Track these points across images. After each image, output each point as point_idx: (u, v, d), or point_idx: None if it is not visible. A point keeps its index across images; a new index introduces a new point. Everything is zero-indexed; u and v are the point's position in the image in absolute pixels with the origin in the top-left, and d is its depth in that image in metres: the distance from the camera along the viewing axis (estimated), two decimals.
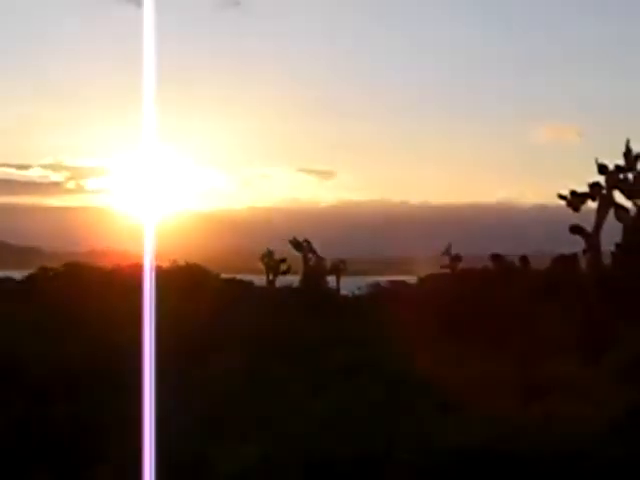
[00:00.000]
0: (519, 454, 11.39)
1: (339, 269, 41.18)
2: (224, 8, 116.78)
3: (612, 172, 28.08)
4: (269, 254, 40.78)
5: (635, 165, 28.34)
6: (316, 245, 39.93)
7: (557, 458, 11.23)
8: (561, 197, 28.54)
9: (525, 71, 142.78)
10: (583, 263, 28.37)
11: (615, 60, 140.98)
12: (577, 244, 27.91)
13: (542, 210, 34.89)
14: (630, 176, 28.23)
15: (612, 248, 28.32)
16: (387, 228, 73.25)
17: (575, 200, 28.06)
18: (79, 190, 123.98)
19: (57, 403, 15.63)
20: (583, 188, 28.07)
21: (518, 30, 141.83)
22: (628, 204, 28.04)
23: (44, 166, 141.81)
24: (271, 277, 40.95)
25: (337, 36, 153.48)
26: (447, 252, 35.57)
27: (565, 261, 29.24)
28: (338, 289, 40.75)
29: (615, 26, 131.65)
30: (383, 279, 44.52)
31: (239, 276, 43.01)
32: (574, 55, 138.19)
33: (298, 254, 40.16)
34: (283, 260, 40.93)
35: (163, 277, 21.84)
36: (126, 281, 30.05)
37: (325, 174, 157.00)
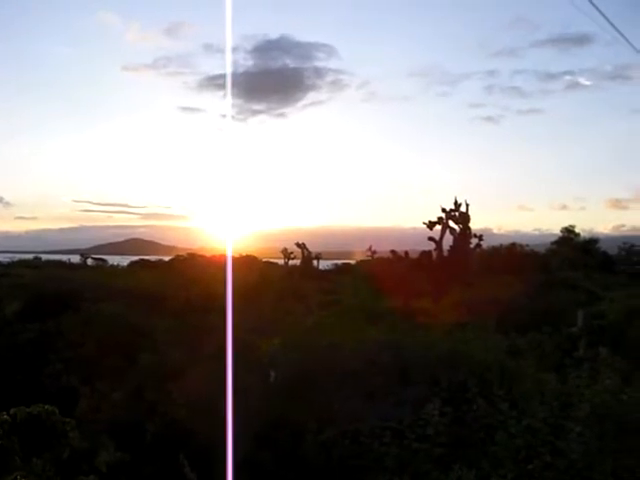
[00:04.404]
0: (402, 342, 11.24)
1: (318, 257, 45.59)
2: None
3: (448, 211, 34.26)
4: (285, 250, 46.46)
5: (459, 209, 34.21)
6: (308, 246, 45.41)
7: (418, 343, 11.10)
8: (424, 223, 34.50)
9: None
10: (434, 255, 34.20)
11: None
12: (431, 245, 34.35)
13: (415, 229, 41.26)
14: (457, 214, 34.21)
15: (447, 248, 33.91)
16: (342, 238, 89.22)
17: (431, 224, 34.30)
18: (193, 219, 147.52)
19: (187, 315, 17.04)
20: (434, 218, 34.41)
21: None
22: (456, 227, 33.99)
23: (179, 207, 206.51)
24: (286, 260, 46.48)
25: None
26: (369, 249, 40.42)
27: (425, 254, 35.01)
28: (318, 266, 45.58)
29: None
30: (339, 262, 49.10)
31: (271, 260, 49.08)
32: None
33: (299, 250, 45.38)
34: (291, 253, 46.25)
35: (234, 260, 24.25)
36: (217, 261, 33.39)
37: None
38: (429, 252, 34.63)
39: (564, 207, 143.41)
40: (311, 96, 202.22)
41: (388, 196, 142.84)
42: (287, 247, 46.77)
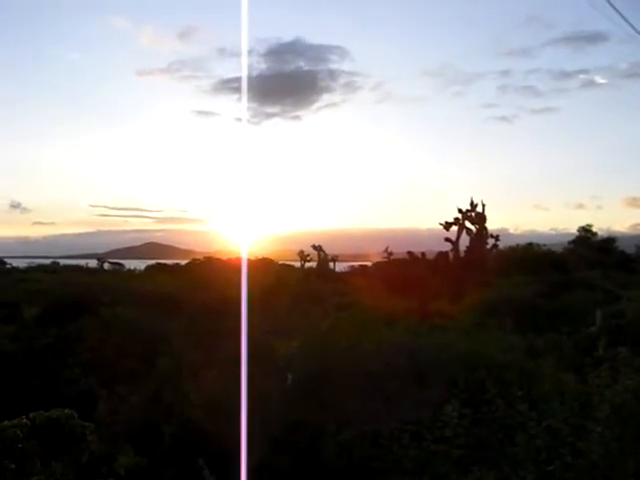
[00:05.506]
0: (419, 344, 11.28)
1: (334, 259, 45.89)
2: None
3: (464, 212, 34.37)
4: (301, 252, 46.65)
5: (475, 209, 34.38)
6: (324, 248, 45.58)
7: (435, 345, 11.09)
8: (441, 224, 34.84)
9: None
10: (451, 256, 34.19)
11: None
12: (448, 246, 34.43)
13: (432, 230, 41.71)
14: (473, 214, 34.38)
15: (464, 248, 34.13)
16: (358, 240, 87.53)
17: (447, 225, 34.55)
18: (209, 223, 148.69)
19: (204, 318, 16.94)
20: (450, 219, 34.71)
21: None
22: (472, 227, 34.31)
23: (195, 211, 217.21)
24: (302, 263, 46.70)
25: None
26: (386, 251, 39.81)
27: (442, 255, 34.60)
28: (334, 268, 45.62)
29: None
30: (356, 264, 48.94)
31: (288, 262, 48.77)
32: None
33: (315, 252, 45.46)
34: (308, 255, 46.33)
35: (250, 263, 27.34)
36: (234, 264, 32.47)
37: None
38: (446, 253, 34.50)
39: (580, 206, 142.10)
40: (325, 98, 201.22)
41: (404, 197, 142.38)
42: (303, 249, 46.91)
